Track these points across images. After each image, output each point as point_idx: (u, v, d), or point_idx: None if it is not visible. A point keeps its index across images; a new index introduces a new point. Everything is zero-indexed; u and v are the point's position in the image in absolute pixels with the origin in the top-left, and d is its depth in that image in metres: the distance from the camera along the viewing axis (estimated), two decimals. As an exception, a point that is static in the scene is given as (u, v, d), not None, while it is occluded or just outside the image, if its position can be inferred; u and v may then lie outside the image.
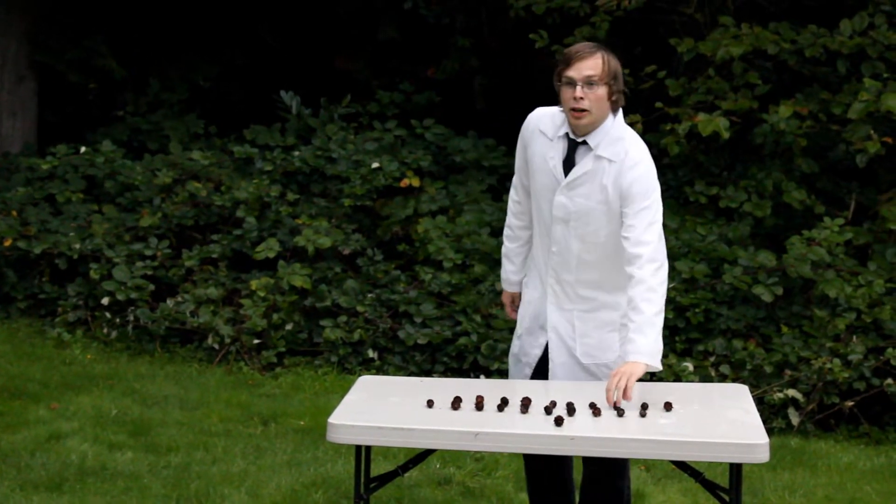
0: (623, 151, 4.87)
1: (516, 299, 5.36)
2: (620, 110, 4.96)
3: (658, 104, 9.33)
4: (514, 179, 5.24)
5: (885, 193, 9.12)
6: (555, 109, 5.01)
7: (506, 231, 5.34)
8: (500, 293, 6.23)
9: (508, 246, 5.33)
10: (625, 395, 4.56)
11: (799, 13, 9.91)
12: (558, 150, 4.96)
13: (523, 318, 5.21)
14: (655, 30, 10.57)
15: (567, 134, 4.94)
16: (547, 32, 9.71)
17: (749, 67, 9.42)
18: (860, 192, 9.34)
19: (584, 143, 4.90)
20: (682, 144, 9.10)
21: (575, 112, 4.82)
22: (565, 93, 4.84)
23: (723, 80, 9.35)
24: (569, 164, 4.93)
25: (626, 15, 9.75)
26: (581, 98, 4.79)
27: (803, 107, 9.07)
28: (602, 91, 4.81)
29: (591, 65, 4.80)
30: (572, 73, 4.80)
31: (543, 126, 5.02)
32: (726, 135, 8.85)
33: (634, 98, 9.64)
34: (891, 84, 8.80)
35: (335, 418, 4.46)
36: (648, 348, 4.69)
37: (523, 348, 5.17)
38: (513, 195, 5.27)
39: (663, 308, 4.77)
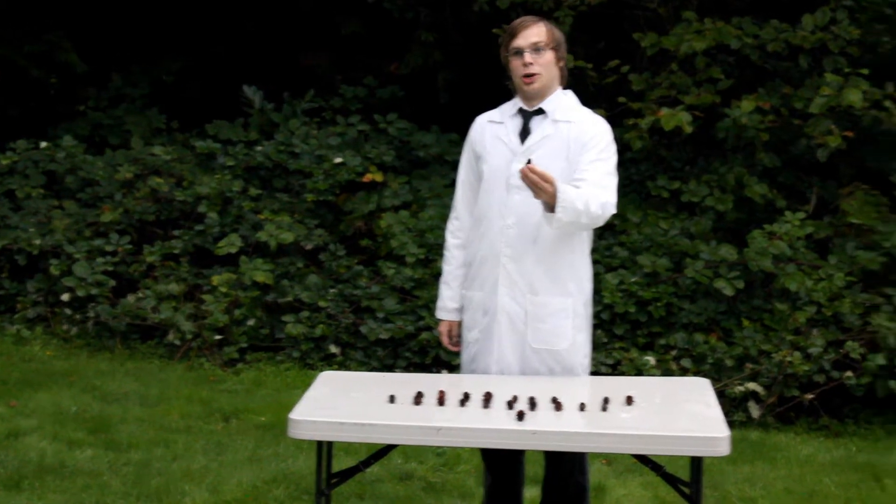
0: (581, 115, 4.99)
1: (454, 329, 5.30)
2: (573, 92, 5.06)
3: (621, 99, 9.34)
4: (456, 194, 5.25)
5: (846, 187, 9.16)
6: (497, 108, 5.12)
7: (444, 256, 5.32)
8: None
9: (445, 269, 5.30)
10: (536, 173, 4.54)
11: (761, 8, 9.93)
12: (512, 126, 5.03)
13: (473, 323, 5.16)
14: (619, 25, 10.58)
15: (521, 109, 5.00)
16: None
17: (712, 62, 9.44)
18: (821, 186, 9.38)
19: (539, 111, 4.98)
20: (645, 139, 9.12)
21: (526, 78, 4.93)
22: (514, 63, 4.97)
23: (686, 74, 9.37)
24: (525, 135, 4.99)
25: (590, 10, 9.76)
26: (530, 63, 4.91)
27: (765, 101, 9.10)
28: (549, 56, 4.96)
29: (535, 32, 4.95)
30: (519, 41, 4.94)
31: (492, 117, 5.12)
32: (689, 129, 8.86)
33: (598, 93, 9.67)
34: (852, 79, 8.84)
35: (296, 414, 4.43)
36: (570, 194, 4.64)
37: (479, 355, 5.13)
38: (451, 215, 5.28)
39: (585, 211, 4.69)
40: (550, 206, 4.65)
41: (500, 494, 5.27)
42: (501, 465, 5.23)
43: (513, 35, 4.97)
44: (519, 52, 4.94)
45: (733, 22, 9.39)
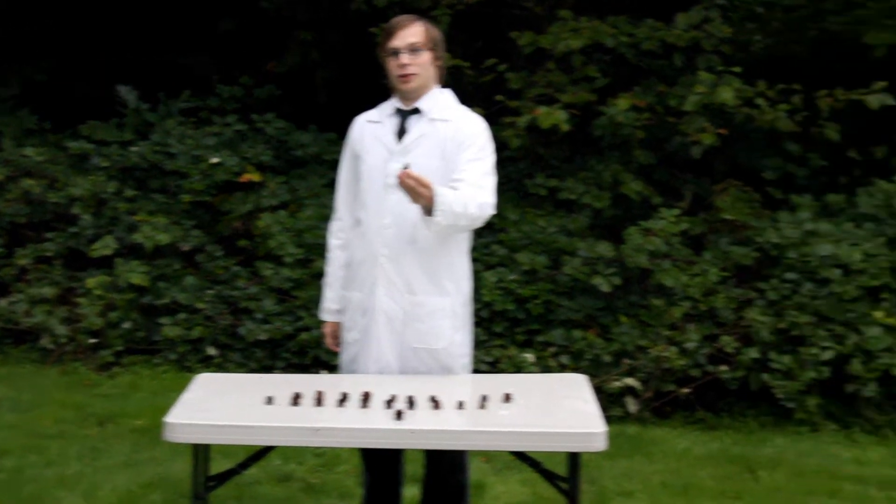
0: (459, 113, 5.00)
1: (337, 330, 5.28)
2: (451, 91, 5.06)
3: (498, 97, 9.37)
4: (336, 195, 5.23)
5: (720, 184, 9.29)
6: (377, 108, 5.11)
7: (327, 257, 5.31)
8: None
9: (328, 270, 5.29)
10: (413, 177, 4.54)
11: (636, 7, 10.03)
12: (389, 126, 5.02)
13: (352, 324, 5.15)
14: (496, 23, 10.62)
15: (398, 108, 5.00)
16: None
17: (588, 61, 9.52)
18: (695, 182, 9.50)
19: (416, 111, 4.98)
20: (523, 137, 9.15)
21: (402, 78, 4.93)
22: (391, 63, 4.96)
23: (562, 73, 9.43)
24: (402, 134, 4.99)
25: (467, 9, 9.78)
26: (407, 63, 4.91)
27: (641, 99, 9.19)
28: (426, 56, 4.95)
29: (412, 32, 4.94)
30: (396, 42, 4.93)
31: (370, 116, 5.12)
32: (566, 127, 8.92)
33: (475, 91, 9.69)
34: (725, 77, 8.96)
35: (172, 417, 4.37)
36: (448, 197, 4.64)
37: (359, 356, 5.12)
38: (333, 216, 5.26)
39: (464, 214, 4.71)
40: (428, 210, 4.65)
41: (379, 494, 5.26)
42: (380, 464, 5.21)
43: (389, 35, 4.95)
44: (395, 53, 4.92)
45: (609, 21, 9.47)
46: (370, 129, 5.07)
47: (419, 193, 4.58)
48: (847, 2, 9.88)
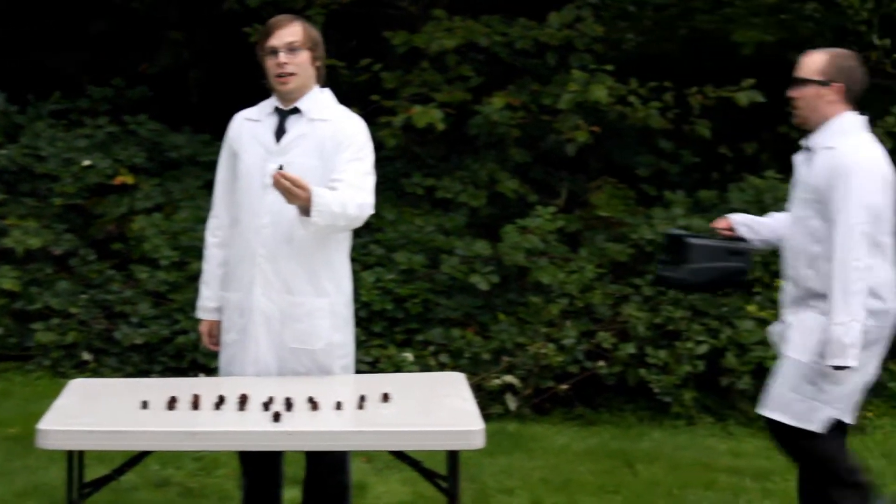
0: (338, 113, 4.99)
1: (214, 329, 5.23)
2: (330, 91, 5.05)
3: (374, 97, 9.36)
4: (215, 193, 5.19)
5: (595, 181, 9.40)
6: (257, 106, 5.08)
7: (204, 255, 5.26)
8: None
9: (205, 268, 5.25)
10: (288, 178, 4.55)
11: (509, 6, 10.09)
12: (268, 125, 4.98)
13: (230, 324, 5.11)
14: (370, 23, 10.61)
15: (277, 107, 4.97)
16: (261, 26, 9.60)
17: (462, 60, 9.55)
18: (571, 180, 9.59)
19: (295, 111, 4.95)
20: (399, 136, 9.16)
21: (280, 78, 4.90)
22: (269, 62, 4.93)
23: (437, 72, 9.46)
24: (280, 134, 4.96)
25: (341, 8, 9.76)
26: (285, 63, 4.88)
27: (515, 98, 9.25)
28: (304, 56, 4.93)
29: (291, 31, 4.93)
30: (274, 41, 4.90)
31: (249, 114, 5.08)
32: (441, 126, 8.94)
33: (351, 91, 9.65)
34: (598, 75, 9.05)
35: (45, 424, 4.30)
36: (326, 197, 4.65)
37: (236, 357, 5.08)
38: (211, 214, 5.22)
39: (342, 214, 4.72)
40: (306, 210, 4.62)
41: (258, 497, 5.22)
42: (258, 467, 5.18)
43: (268, 34, 4.93)
44: (274, 52, 4.89)
45: (482, 20, 9.52)
46: (248, 127, 5.03)
47: (294, 194, 4.56)
48: (716, 1, 10.04)
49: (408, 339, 8.44)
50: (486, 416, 4.63)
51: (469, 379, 5.08)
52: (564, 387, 8.13)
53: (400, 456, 4.64)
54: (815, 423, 4.95)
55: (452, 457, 4.42)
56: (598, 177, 9.49)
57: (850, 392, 4.98)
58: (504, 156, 9.39)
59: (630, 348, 8.09)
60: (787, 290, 5.11)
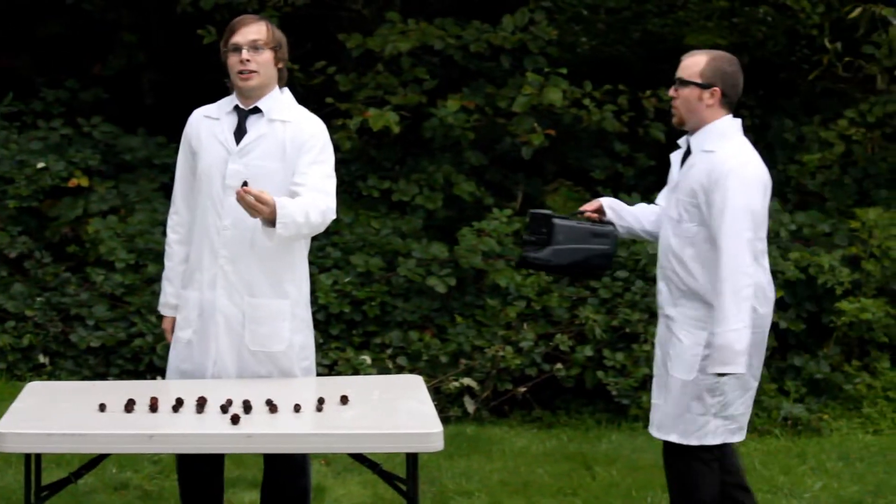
0: (298, 114, 5.00)
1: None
2: (290, 92, 5.06)
3: (329, 99, 9.36)
4: (175, 189, 5.16)
5: (551, 184, 9.44)
6: (216, 103, 5.08)
7: (165, 251, 5.23)
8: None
9: (167, 265, 5.21)
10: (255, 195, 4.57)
11: (463, 9, 10.12)
12: (228, 124, 4.98)
13: (186, 322, 5.08)
14: (324, 25, 10.60)
15: (236, 106, 4.97)
16: (215, 28, 9.60)
17: (417, 62, 9.56)
18: (527, 182, 9.62)
19: (255, 110, 4.96)
20: (354, 139, 9.17)
21: (242, 75, 4.90)
22: (232, 60, 4.93)
23: (392, 75, 9.47)
24: (240, 133, 4.95)
25: (295, 11, 9.76)
26: (248, 60, 4.88)
27: (470, 101, 9.28)
28: (268, 55, 4.93)
29: (255, 30, 4.93)
30: (238, 38, 4.91)
31: (208, 112, 5.07)
32: (397, 129, 8.96)
33: (306, 94, 9.65)
34: (552, 78, 9.09)
35: (2, 427, 4.28)
36: (290, 209, 4.66)
37: (192, 356, 5.06)
38: (171, 210, 5.19)
39: (306, 223, 4.75)
40: (270, 221, 4.63)
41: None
42: (194, 473, 5.14)
43: (232, 31, 4.93)
44: (237, 49, 4.89)
45: (436, 23, 9.54)
46: (207, 125, 5.02)
47: (258, 210, 4.57)
48: (668, 4, 10.12)
49: (366, 342, 8.45)
50: (445, 419, 4.65)
51: (427, 382, 5.10)
52: (522, 389, 8.16)
53: (359, 458, 4.64)
54: (707, 438, 4.92)
55: (412, 459, 4.42)
56: (553, 179, 9.53)
57: (740, 403, 4.96)
58: (460, 158, 9.41)
59: (588, 351, 8.13)
60: (661, 289, 5.07)
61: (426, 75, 9.48)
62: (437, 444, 4.25)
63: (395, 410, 4.66)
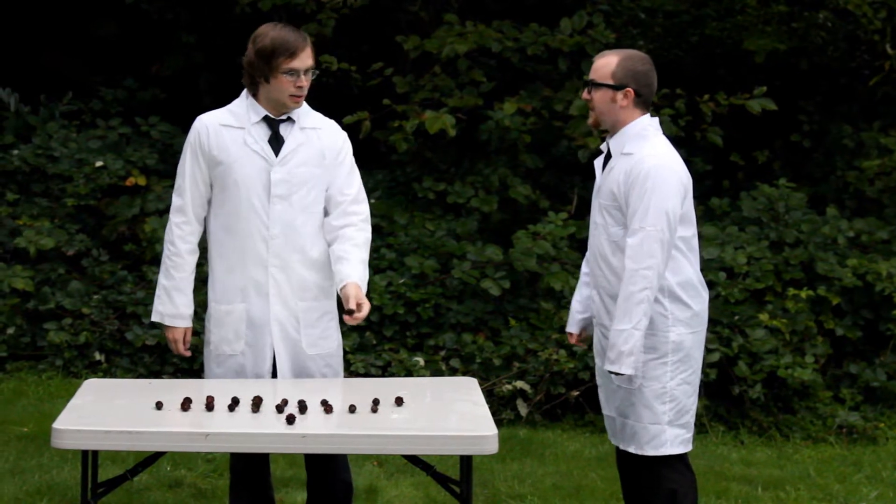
0: (322, 121, 5.12)
1: (188, 335, 5.22)
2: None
3: (385, 101, 9.37)
4: (176, 201, 5.13)
5: (606, 188, 9.37)
6: (219, 110, 5.14)
7: (172, 261, 5.18)
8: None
9: (177, 276, 5.18)
10: (360, 308, 4.81)
11: (521, 12, 10.10)
12: (259, 133, 5.00)
13: (235, 335, 5.10)
14: (381, 27, 10.62)
15: (266, 116, 4.99)
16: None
17: (474, 65, 9.56)
18: (582, 186, 9.58)
19: (287, 119, 5.01)
20: (410, 141, 9.17)
21: (295, 98, 4.95)
22: (284, 81, 4.92)
23: (448, 77, 9.47)
24: (275, 142, 4.99)
25: (353, 12, 9.77)
26: (305, 86, 4.95)
27: (527, 104, 9.26)
28: (311, 76, 5.01)
29: (308, 54, 4.97)
30: (297, 63, 4.92)
31: (223, 120, 5.08)
32: (453, 132, 8.95)
33: (362, 95, 9.68)
34: (609, 82, 9.04)
35: (59, 423, 4.31)
36: (363, 278, 4.97)
37: (246, 368, 5.07)
38: (174, 218, 5.14)
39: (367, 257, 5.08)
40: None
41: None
42: (244, 472, 5.17)
43: (291, 55, 4.88)
44: (295, 73, 4.90)
45: (494, 25, 9.53)
46: (230, 134, 5.01)
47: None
48: (727, 8, 10.05)
49: (419, 344, 8.46)
50: (498, 422, 4.64)
51: (480, 384, 5.08)
52: (575, 393, 8.14)
53: (413, 460, 4.65)
54: (664, 448, 4.84)
55: (466, 461, 4.42)
56: (609, 183, 9.48)
57: (683, 407, 4.87)
58: (515, 161, 9.40)
59: (640, 355, 8.08)
60: (594, 299, 5.02)
61: (483, 78, 9.48)
62: (492, 447, 4.25)
63: (449, 412, 4.66)
